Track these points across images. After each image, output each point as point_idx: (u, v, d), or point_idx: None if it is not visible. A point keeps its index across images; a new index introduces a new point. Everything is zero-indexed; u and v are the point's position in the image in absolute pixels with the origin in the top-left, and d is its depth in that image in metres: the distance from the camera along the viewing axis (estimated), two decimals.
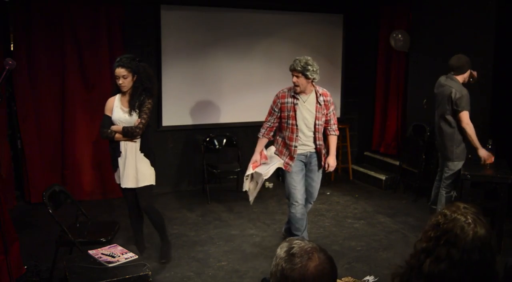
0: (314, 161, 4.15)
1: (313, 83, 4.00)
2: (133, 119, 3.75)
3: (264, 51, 6.47)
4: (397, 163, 6.33)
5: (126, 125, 3.75)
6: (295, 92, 3.98)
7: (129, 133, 3.73)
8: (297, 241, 1.49)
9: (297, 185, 4.08)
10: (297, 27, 6.63)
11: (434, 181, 4.90)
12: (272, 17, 6.47)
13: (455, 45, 5.43)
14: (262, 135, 4.19)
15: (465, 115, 4.33)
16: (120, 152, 3.79)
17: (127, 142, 3.79)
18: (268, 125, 4.16)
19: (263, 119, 4.20)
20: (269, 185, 6.40)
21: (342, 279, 3.62)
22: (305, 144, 4.08)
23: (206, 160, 5.96)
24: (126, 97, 3.79)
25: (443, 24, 5.65)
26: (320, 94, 4.03)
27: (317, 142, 4.09)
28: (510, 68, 4.99)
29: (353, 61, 7.08)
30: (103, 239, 3.52)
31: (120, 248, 3.09)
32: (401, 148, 6.54)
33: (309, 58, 3.92)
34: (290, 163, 4.08)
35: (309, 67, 3.86)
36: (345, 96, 7.17)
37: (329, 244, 4.43)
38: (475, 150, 4.40)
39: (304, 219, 4.13)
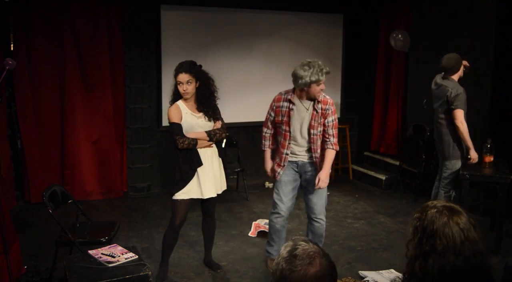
0: (310, 170, 3.71)
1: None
2: (211, 123, 3.58)
3: (264, 51, 6.47)
4: (397, 163, 6.34)
5: (205, 130, 3.55)
6: (292, 97, 3.61)
7: (216, 136, 3.55)
8: (302, 243, 1.46)
9: (283, 196, 3.73)
10: (297, 27, 6.63)
11: (434, 181, 4.90)
12: (272, 17, 6.47)
13: (455, 45, 5.43)
14: (268, 147, 3.84)
15: (459, 113, 4.31)
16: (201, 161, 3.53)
17: (206, 148, 3.56)
18: (269, 134, 3.82)
19: (263, 119, 3.95)
20: (269, 185, 6.40)
21: (342, 279, 3.63)
22: (297, 153, 3.68)
23: None
24: (192, 104, 3.58)
25: (443, 24, 5.64)
26: (318, 102, 3.57)
27: (313, 154, 3.65)
28: (510, 68, 5.00)
29: (353, 61, 7.08)
30: (103, 239, 3.52)
31: (120, 248, 3.09)
32: (401, 148, 6.54)
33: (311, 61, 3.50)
34: (278, 170, 3.73)
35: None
36: (345, 96, 7.16)
37: (329, 243, 4.43)
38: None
39: (283, 231, 3.82)
